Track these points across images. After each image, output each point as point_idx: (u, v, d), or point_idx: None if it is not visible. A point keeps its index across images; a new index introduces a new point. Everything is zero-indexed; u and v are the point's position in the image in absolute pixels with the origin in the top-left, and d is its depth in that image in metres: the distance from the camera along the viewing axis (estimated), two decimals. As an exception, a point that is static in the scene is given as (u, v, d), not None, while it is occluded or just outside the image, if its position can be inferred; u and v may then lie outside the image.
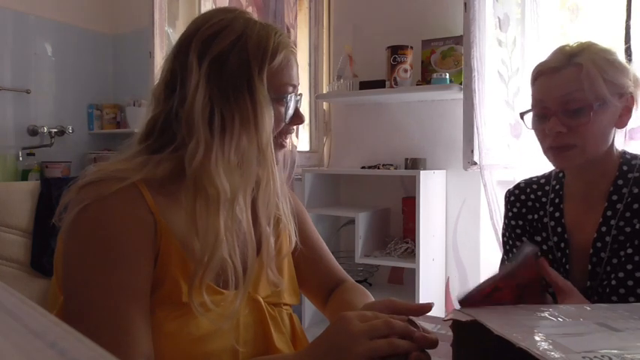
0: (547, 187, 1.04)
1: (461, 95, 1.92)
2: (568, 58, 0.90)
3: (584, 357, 0.43)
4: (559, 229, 0.97)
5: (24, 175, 2.74)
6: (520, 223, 1.05)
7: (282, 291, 0.83)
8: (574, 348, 0.45)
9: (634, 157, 0.94)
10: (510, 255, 1.08)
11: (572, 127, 0.88)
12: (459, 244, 2.07)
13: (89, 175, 0.68)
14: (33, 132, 2.80)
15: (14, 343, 0.19)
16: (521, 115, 0.99)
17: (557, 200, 1.00)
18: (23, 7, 2.76)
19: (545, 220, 1.00)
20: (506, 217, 1.09)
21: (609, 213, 0.91)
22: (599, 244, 0.91)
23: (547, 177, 1.06)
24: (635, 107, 0.92)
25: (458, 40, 1.96)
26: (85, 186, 0.67)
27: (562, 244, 0.96)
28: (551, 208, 1.00)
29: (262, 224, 0.78)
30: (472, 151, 1.87)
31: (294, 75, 0.77)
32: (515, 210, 1.06)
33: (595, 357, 0.43)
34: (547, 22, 1.87)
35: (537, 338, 0.47)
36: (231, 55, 0.70)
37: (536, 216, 1.03)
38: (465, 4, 1.83)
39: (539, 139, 0.96)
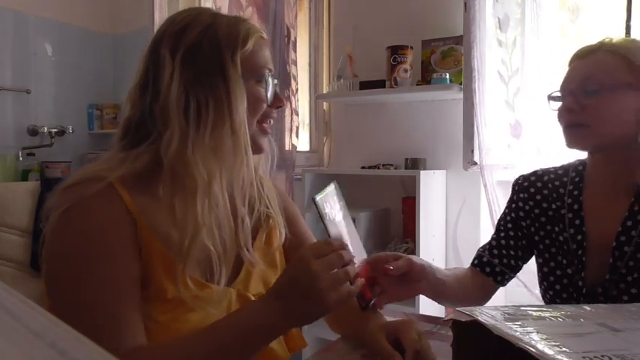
0: (565, 179, 1.03)
1: (461, 95, 1.91)
2: (600, 45, 0.91)
3: (584, 357, 0.43)
4: (577, 222, 0.97)
5: (24, 175, 2.74)
6: (527, 208, 1.04)
7: None
8: (574, 348, 0.45)
9: None
10: (501, 232, 1.08)
11: (585, 107, 0.89)
12: (459, 244, 2.07)
13: (71, 177, 0.69)
14: (33, 132, 2.80)
15: (14, 343, 0.19)
16: (549, 97, 0.99)
17: (575, 192, 0.99)
18: (23, 7, 2.76)
19: (563, 211, 0.99)
20: (511, 200, 1.09)
21: (637, 207, 0.90)
22: (623, 238, 0.90)
23: (566, 168, 1.05)
24: None
25: (458, 40, 1.96)
26: (66, 189, 0.68)
27: (579, 237, 0.96)
28: (569, 200, 0.99)
29: (237, 205, 0.79)
30: (472, 151, 1.87)
31: (268, 59, 0.79)
32: (525, 195, 1.05)
33: (595, 357, 0.43)
34: (547, 22, 1.87)
35: (537, 338, 0.47)
36: (203, 43, 0.73)
37: (553, 206, 1.02)
38: (465, 4, 1.83)
39: (558, 119, 0.96)
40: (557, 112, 0.96)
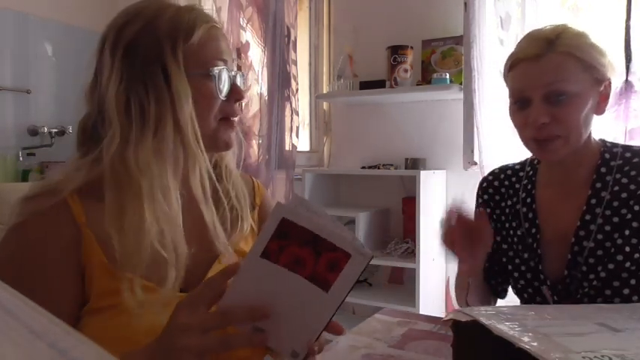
0: (521, 174, 1.02)
1: (461, 95, 1.92)
2: (548, 44, 0.86)
3: (584, 357, 0.43)
4: (530, 215, 0.96)
5: (24, 176, 2.74)
6: (489, 210, 1.03)
7: None
8: (574, 348, 0.45)
9: (614, 145, 0.92)
10: None
11: (557, 117, 0.85)
12: (459, 244, 2.06)
13: (32, 188, 0.67)
14: (33, 132, 2.80)
15: (14, 343, 0.19)
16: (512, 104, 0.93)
17: (529, 186, 0.99)
18: (23, 7, 2.76)
19: (518, 206, 0.99)
20: (476, 203, 1.07)
21: (594, 201, 0.89)
22: (582, 233, 0.88)
23: (523, 163, 1.04)
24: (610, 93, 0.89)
25: (458, 40, 1.96)
26: (22, 201, 0.66)
27: (533, 230, 0.95)
28: (524, 194, 0.99)
29: (199, 205, 0.75)
30: (472, 151, 1.87)
31: (221, 49, 0.74)
32: (486, 197, 1.05)
33: (595, 357, 0.43)
34: (547, 22, 1.87)
35: (537, 338, 0.47)
36: (143, 38, 0.69)
37: (509, 202, 1.01)
38: (465, 3, 1.83)
39: (519, 129, 0.92)
40: (513, 121, 0.91)
